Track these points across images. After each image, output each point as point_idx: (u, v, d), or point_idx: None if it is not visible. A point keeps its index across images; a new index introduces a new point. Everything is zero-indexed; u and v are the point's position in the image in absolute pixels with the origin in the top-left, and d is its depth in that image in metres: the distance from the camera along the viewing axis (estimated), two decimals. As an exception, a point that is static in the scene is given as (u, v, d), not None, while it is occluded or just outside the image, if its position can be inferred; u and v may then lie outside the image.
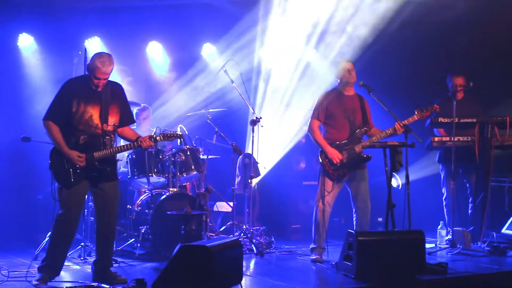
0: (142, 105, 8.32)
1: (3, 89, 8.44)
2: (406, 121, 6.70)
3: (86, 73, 5.84)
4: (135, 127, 8.21)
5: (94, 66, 5.65)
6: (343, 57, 7.93)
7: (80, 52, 7.15)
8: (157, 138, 5.99)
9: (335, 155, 6.75)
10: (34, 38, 8.89)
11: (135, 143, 5.89)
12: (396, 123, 6.65)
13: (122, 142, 6.46)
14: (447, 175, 7.94)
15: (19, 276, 5.94)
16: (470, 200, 8.00)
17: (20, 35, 8.81)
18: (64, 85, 5.77)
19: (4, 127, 8.41)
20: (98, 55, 5.73)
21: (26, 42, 8.86)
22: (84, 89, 5.73)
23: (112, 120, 5.83)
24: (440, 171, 8.16)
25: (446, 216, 8.01)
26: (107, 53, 5.80)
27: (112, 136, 5.87)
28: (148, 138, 5.89)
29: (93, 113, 5.72)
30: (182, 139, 7.58)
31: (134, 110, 8.31)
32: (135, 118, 8.23)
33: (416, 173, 8.96)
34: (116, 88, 5.94)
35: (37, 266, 5.74)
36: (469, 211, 7.98)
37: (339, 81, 7.00)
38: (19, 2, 8.65)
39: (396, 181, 9.13)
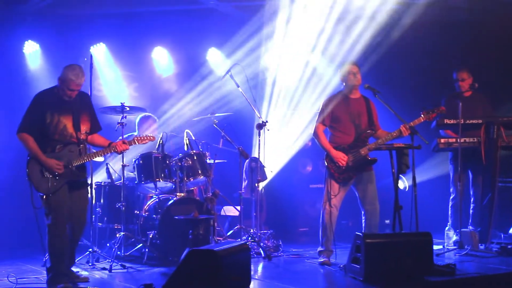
0: (146, 114, 8.28)
1: (8, 95, 8.45)
2: (412, 123, 6.64)
3: (57, 84, 5.89)
4: (136, 133, 8.19)
5: (67, 78, 5.78)
6: (348, 60, 7.92)
7: (86, 59, 7.16)
8: (131, 142, 6.28)
9: (340, 158, 6.76)
10: (39, 45, 8.93)
11: (110, 148, 6.09)
12: (402, 125, 6.63)
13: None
14: (456, 176, 7.89)
15: (27, 282, 5.97)
16: (472, 200, 7.94)
17: (26, 42, 8.86)
18: (35, 99, 5.87)
19: (10, 134, 8.41)
20: (71, 67, 5.83)
21: (31, 49, 8.91)
22: (56, 101, 5.85)
23: (84, 128, 5.99)
24: (449, 171, 8.10)
25: (450, 217, 7.96)
26: (78, 65, 5.90)
27: (85, 144, 6.02)
28: (121, 142, 6.12)
29: (66, 122, 5.85)
30: (188, 144, 7.67)
31: (137, 118, 8.31)
32: (137, 127, 8.26)
33: (423, 175, 8.94)
34: (84, 97, 6.10)
35: (45, 279, 5.78)
36: (471, 211, 7.93)
37: (344, 84, 7.01)
38: (24, 10, 8.70)
39: (403, 183, 9.13)
